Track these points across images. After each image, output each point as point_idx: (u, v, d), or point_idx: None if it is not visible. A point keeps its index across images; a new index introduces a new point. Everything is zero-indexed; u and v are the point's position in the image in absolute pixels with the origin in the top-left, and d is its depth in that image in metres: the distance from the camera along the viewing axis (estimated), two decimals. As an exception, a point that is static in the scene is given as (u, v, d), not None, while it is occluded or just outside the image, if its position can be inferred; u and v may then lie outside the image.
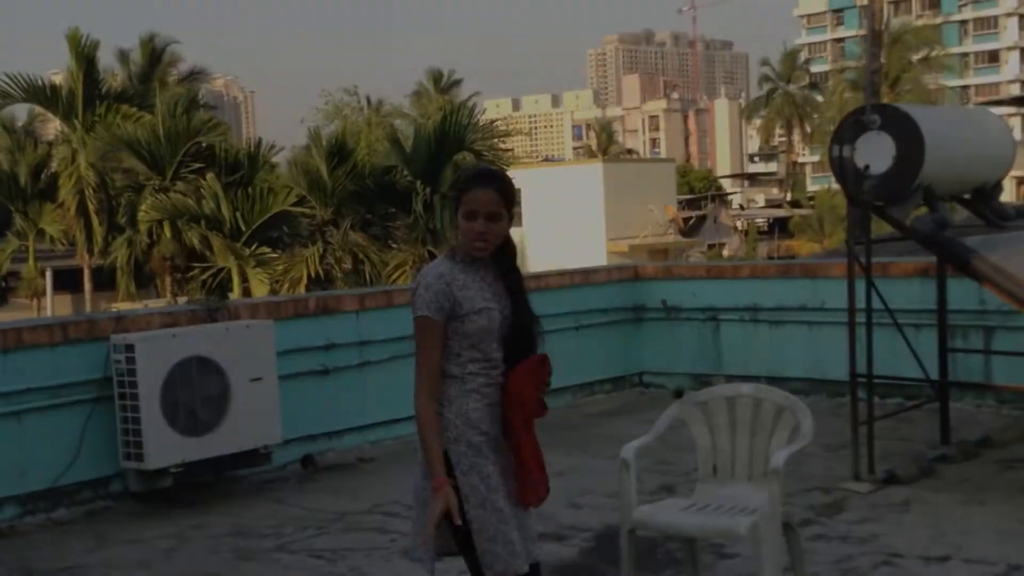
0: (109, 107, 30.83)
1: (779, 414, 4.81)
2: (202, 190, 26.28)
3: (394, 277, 23.96)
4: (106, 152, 28.61)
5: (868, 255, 6.85)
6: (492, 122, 28.86)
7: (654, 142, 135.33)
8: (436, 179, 23.92)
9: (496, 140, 26.35)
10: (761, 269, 10.23)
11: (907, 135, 6.71)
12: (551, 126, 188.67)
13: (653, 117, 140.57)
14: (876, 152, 6.74)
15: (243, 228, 25.24)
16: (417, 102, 56.81)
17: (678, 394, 9.63)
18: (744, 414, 4.89)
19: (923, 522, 5.99)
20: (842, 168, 6.83)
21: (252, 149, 27.97)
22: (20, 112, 45.68)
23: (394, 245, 25.95)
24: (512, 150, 34.10)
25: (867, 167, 6.73)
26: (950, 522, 5.98)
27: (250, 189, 25.87)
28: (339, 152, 25.34)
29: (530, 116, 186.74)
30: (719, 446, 4.91)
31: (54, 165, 35.29)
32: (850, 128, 6.85)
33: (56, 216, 33.64)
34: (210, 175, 26.09)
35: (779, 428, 4.79)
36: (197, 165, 26.82)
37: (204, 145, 27.48)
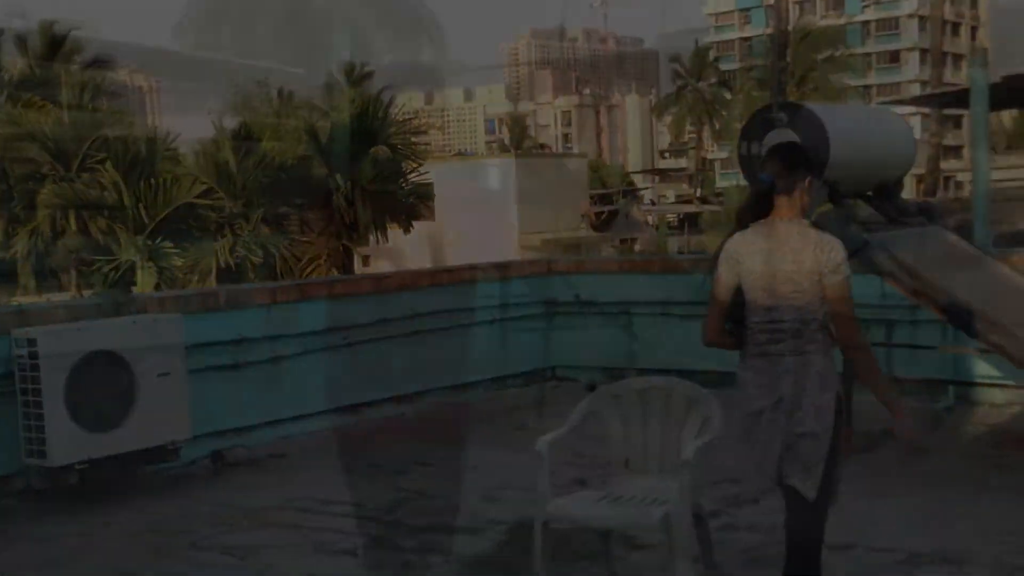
0: (10, 96, 29.90)
1: (690, 406, 4.89)
2: (101, 180, 25.61)
3: (308, 271, 23.69)
4: (8, 142, 27.73)
5: (775, 250, 6.96)
6: (409, 118, 28.67)
7: (566, 137, 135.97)
8: (354, 172, 23.72)
9: (410, 136, 26.25)
10: (672, 264, 10.36)
11: (812, 133, 6.86)
12: (464, 120, 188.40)
13: (565, 112, 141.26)
14: (784, 149, 6.86)
15: (146, 220, 24.71)
16: (328, 95, 56.16)
17: (591, 387, 9.70)
18: (656, 406, 4.96)
19: (828, 511, 6.11)
20: (750, 164, 6.95)
21: (151, 137, 27.35)
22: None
23: (305, 239, 25.67)
24: (429, 144, 33.99)
25: (775, 164, 6.84)
26: (854, 511, 6.11)
27: (153, 180, 25.31)
28: (245, 142, 24.95)
29: (442, 110, 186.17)
30: (632, 438, 4.98)
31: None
32: (758, 125, 6.98)
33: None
34: (108, 163, 25.41)
35: (690, 420, 4.87)
36: (102, 155, 26.14)
37: (110, 136, 26.82)
